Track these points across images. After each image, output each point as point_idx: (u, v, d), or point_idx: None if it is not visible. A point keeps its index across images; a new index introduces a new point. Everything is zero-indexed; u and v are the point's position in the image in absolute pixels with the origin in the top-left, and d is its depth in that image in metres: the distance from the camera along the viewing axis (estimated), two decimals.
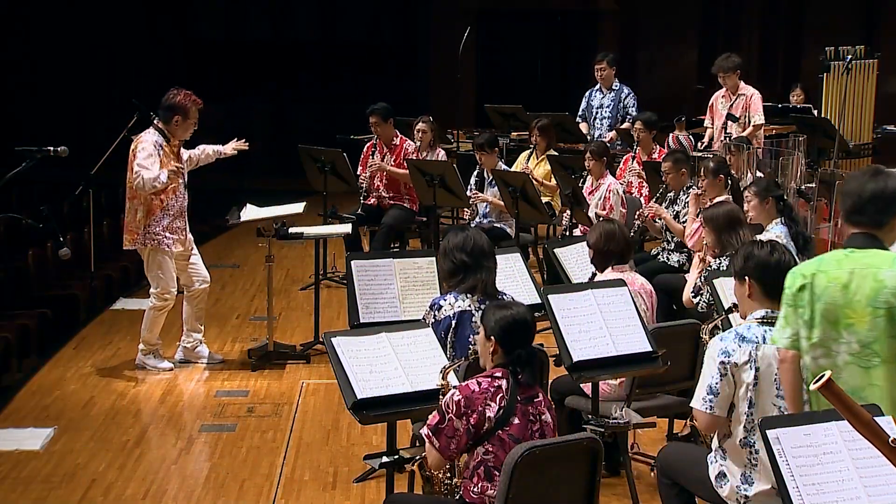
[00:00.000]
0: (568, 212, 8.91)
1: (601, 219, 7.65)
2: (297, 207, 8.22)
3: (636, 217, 8.45)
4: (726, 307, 5.17)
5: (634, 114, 10.56)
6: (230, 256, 11.30)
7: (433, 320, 5.10)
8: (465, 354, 4.73)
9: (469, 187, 9.72)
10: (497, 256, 5.35)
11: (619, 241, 5.95)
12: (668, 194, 8.27)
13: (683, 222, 7.96)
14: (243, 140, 8.05)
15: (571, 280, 6.51)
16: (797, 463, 3.34)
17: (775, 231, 6.80)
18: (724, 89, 10.43)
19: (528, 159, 10.24)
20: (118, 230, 7.72)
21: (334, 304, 9.18)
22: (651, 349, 5.18)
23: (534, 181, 9.34)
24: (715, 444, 4.36)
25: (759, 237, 5.58)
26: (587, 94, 11.29)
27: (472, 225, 9.37)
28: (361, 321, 5.59)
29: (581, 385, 5.43)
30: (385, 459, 4.52)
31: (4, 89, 15.62)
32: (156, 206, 7.42)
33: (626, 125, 10.65)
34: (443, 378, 4.31)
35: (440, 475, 4.26)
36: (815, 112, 11.57)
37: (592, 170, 9.05)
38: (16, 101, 15.61)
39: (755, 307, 4.32)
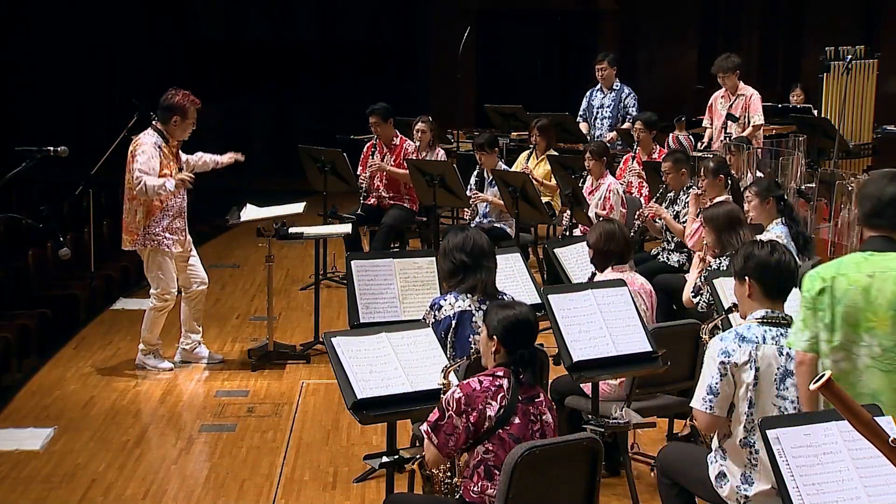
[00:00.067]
0: (568, 212, 8.91)
1: (601, 219, 7.64)
2: (297, 207, 8.22)
3: (636, 217, 8.45)
4: (726, 307, 5.17)
5: (634, 114, 10.57)
6: (230, 256, 11.30)
7: (433, 320, 5.10)
8: (464, 354, 4.73)
9: (469, 187, 9.72)
10: (497, 256, 5.35)
11: (619, 241, 5.95)
12: (668, 194, 8.27)
13: (683, 222, 7.96)
14: (240, 153, 8.02)
15: (571, 280, 6.51)
16: (797, 463, 3.34)
17: (776, 231, 6.80)
18: (723, 89, 10.43)
19: (528, 159, 10.24)
20: (118, 230, 7.72)
21: (334, 304, 9.18)
22: (651, 349, 5.18)
23: (534, 181, 9.33)
24: (715, 444, 4.36)
25: (759, 237, 5.58)
26: (588, 94, 11.29)
27: (472, 225, 9.37)
28: (361, 321, 5.58)
29: (581, 385, 5.43)
30: (385, 459, 4.52)
31: (4, 89, 15.63)
32: (155, 207, 7.42)
33: (626, 125, 10.65)
34: (444, 377, 4.31)
35: (440, 474, 4.26)
36: (815, 112, 11.56)
37: (592, 170, 9.06)
38: (16, 101, 15.62)
39: (755, 307, 4.32)
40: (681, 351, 5.68)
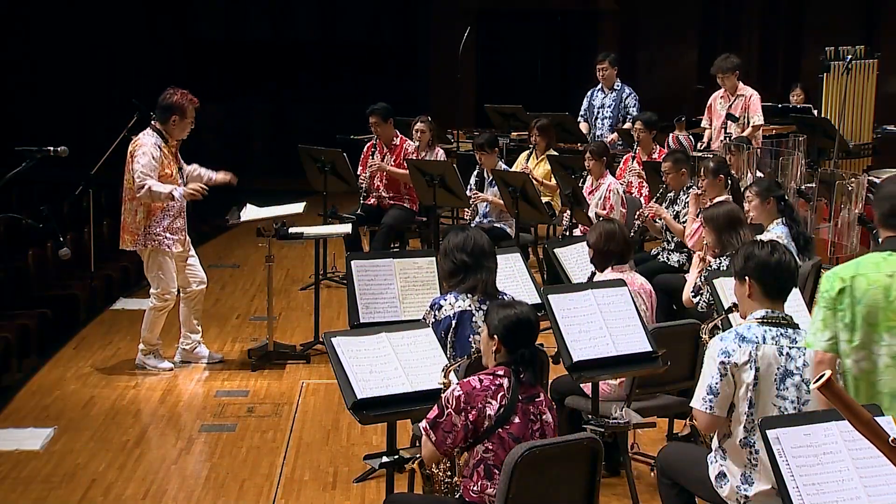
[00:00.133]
0: (568, 212, 8.92)
1: (601, 219, 7.64)
2: (297, 207, 8.22)
3: (636, 217, 8.45)
4: (726, 307, 5.16)
5: (635, 114, 10.57)
6: (230, 256, 11.30)
7: (433, 320, 5.10)
8: (465, 354, 4.72)
9: (469, 187, 9.72)
10: (497, 256, 5.35)
11: (619, 241, 5.95)
12: (668, 194, 8.27)
13: (683, 222, 7.96)
14: (233, 175, 7.96)
15: (571, 280, 6.51)
16: (797, 463, 3.34)
17: (776, 231, 6.80)
18: (722, 90, 10.43)
19: (528, 159, 10.24)
20: (118, 230, 7.72)
21: (334, 304, 9.18)
22: (651, 349, 5.17)
23: (534, 181, 9.34)
24: (715, 444, 4.36)
25: (759, 237, 5.58)
26: (588, 94, 11.29)
27: (472, 225, 9.38)
28: (361, 321, 5.58)
29: (581, 385, 5.43)
30: (385, 459, 4.52)
31: (4, 89, 15.62)
32: (156, 208, 7.42)
33: (626, 125, 10.65)
34: (444, 377, 4.31)
35: (440, 474, 4.26)
36: (815, 112, 11.56)
37: (592, 170, 9.06)
38: (16, 101, 15.61)
39: (755, 307, 4.32)
40: (681, 351, 5.67)
